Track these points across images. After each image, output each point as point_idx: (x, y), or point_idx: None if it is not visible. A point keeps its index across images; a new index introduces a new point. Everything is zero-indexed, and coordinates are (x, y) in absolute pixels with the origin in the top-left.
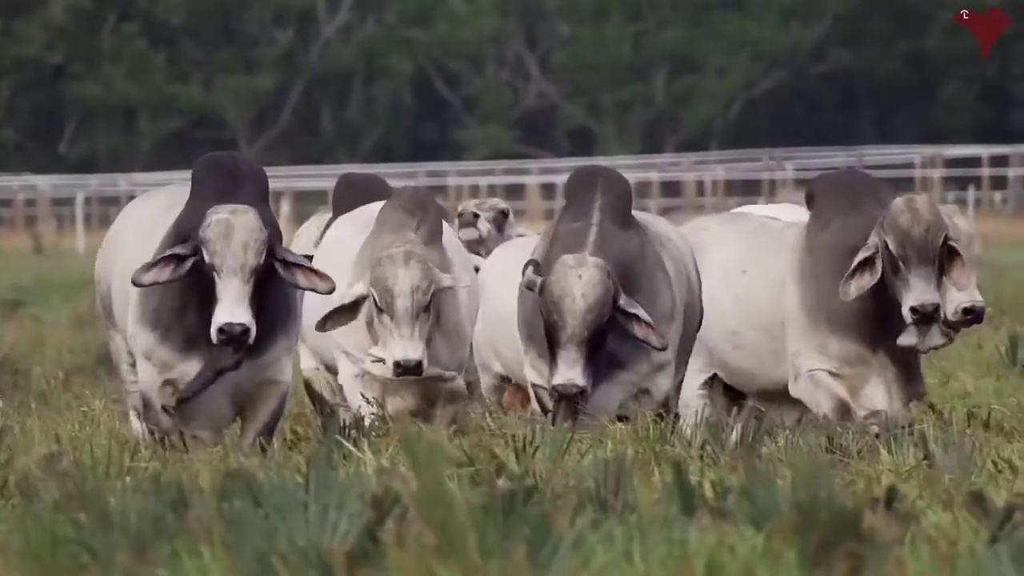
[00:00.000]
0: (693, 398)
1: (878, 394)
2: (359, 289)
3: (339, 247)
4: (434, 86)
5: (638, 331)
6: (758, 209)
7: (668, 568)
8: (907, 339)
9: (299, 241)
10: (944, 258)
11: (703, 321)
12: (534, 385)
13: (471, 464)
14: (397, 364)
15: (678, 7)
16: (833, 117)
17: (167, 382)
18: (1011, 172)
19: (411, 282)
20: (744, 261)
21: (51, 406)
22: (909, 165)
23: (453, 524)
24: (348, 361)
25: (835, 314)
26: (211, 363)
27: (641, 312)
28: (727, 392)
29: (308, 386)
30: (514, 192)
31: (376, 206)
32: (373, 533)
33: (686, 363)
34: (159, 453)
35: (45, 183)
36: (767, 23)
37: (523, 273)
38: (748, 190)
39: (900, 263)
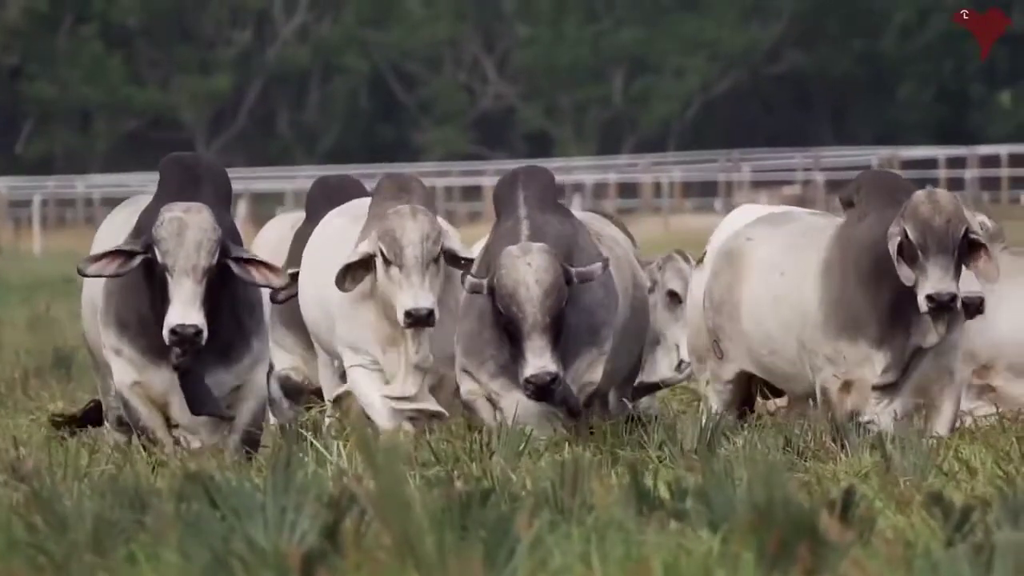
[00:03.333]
0: (719, 390)
1: (883, 392)
2: (365, 247)
3: (340, 237)
4: (391, 88)
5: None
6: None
7: (625, 570)
8: (931, 339)
9: (263, 237)
10: (965, 251)
11: (746, 320)
12: (470, 395)
13: (438, 463)
14: (408, 314)
15: (635, 8)
16: (790, 118)
17: (136, 383)
18: (968, 174)
19: (420, 231)
20: (783, 263)
21: (8, 408)
22: (866, 167)
23: (411, 525)
24: (353, 354)
25: (850, 311)
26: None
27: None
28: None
29: (285, 381)
30: (471, 194)
31: (361, 200)
32: (331, 534)
33: (636, 359)
34: (116, 456)
35: (2, 184)
36: (724, 24)
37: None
38: (705, 191)
39: (919, 252)
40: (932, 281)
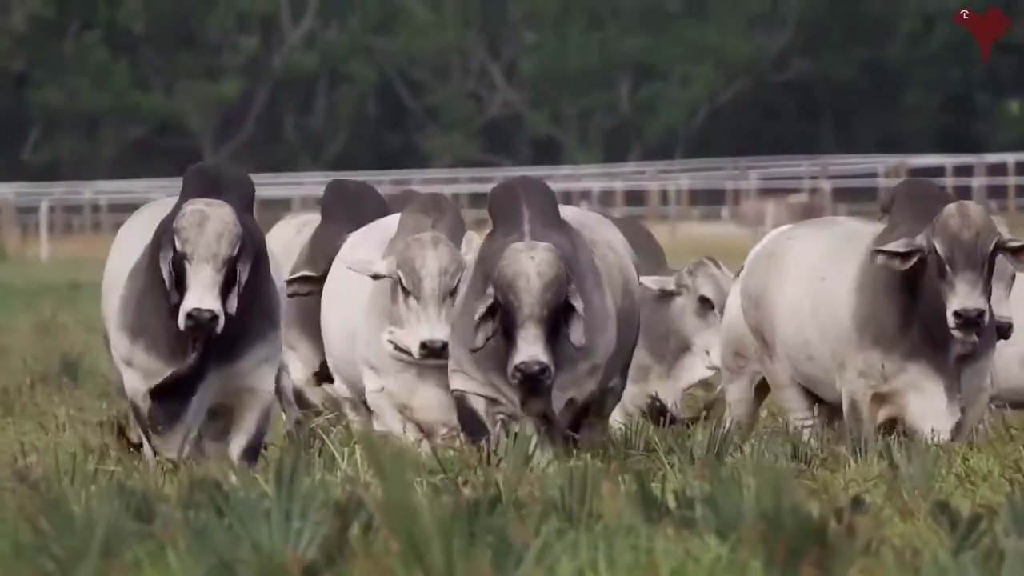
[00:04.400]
0: (792, 401)
1: (917, 409)
2: (380, 268)
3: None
4: (398, 94)
5: (574, 330)
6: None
7: None
8: (956, 350)
9: (270, 244)
10: (994, 266)
11: (784, 329)
12: (462, 392)
13: (445, 471)
14: (423, 345)
15: (641, 16)
16: (796, 126)
17: (149, 392)
18: (975, 182)
19: (439, 263)
20: (823, 268)
21: (15, 414)
22: (872, 174)
23: (418, 532)
24: (375, 375)
25: (881, 325)
26: (183, 363)
27: (580, 308)
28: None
29: (299, 396)
30: (478, 201)
31: (386, 220)
32: (338, 541)
33: (625, 371)
34: (124, 461)
35: (9, 191)
36: (730, 31)
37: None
38: (712, 199)
39: (947, 267)
40: (960, 297)
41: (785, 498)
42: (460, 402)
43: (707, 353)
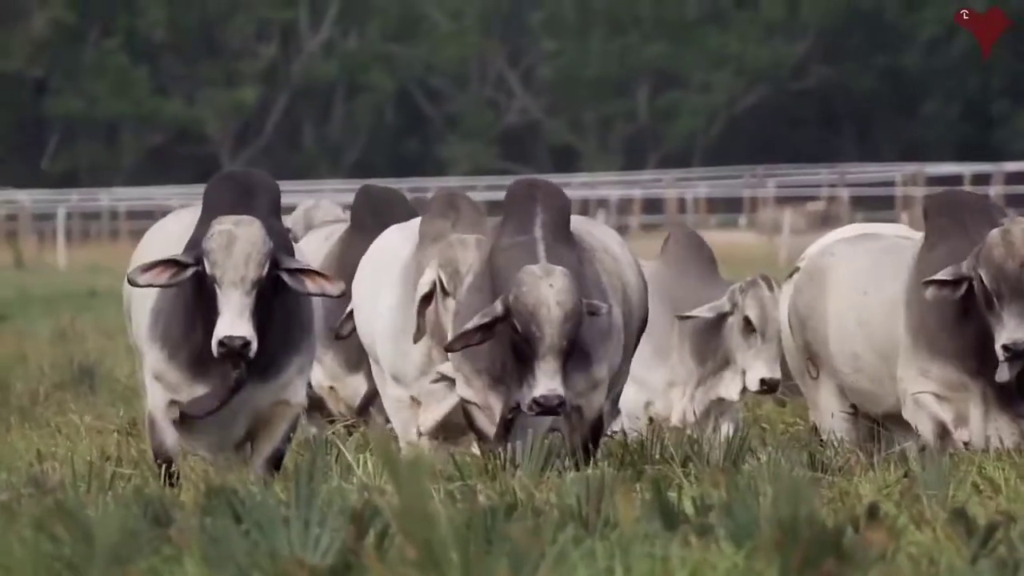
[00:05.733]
0: (839, 420)
1: (977, 419)
2: (429, 275)
3: (393, 255)
4: (416, 102)
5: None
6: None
7: None
8: (1001, 375)
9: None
10: None
11: (830, 341)
12: (466, 402)
13: (461, 478)
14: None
15: (660, 23)
16: (814, 134)
17: (173, 402)
18: (993, 190)
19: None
20: (866, 282)
21: (33, 421)
22: (890, 183)
23: (435, 540)
24: (395, 385)
25: (935, 339)
26: (223, 383)
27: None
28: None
29: (320, 403)
30: (495, 209)
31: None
32: (354, 548)
33: (624, 379)
34: (141, 469)
35: (27, 198)
36: (749, 39)
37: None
38: (730, 207)
39: (994, 298)
40: (1008, 330)
41: (801, 506)
42: (468, 411)
43: (743, 374)
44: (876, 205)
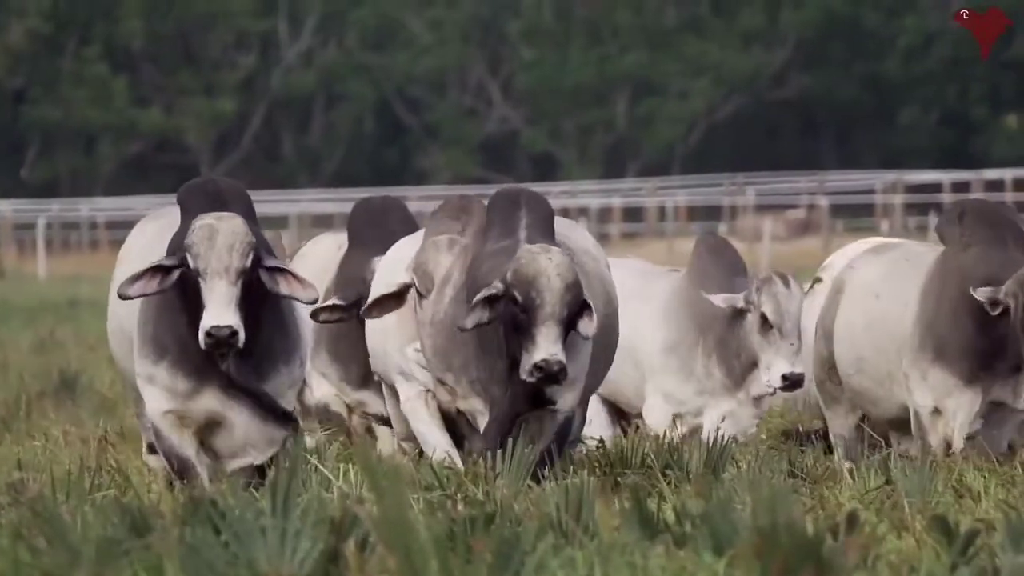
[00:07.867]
0: (847, 431)
1: (975, 423)
2: (403, 277)
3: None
4: (396, 112)
5: (584, 325)
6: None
7: None
8: (1019, 402)
9: (304, 262)
10: None
11: (835, 341)
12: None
13: (441, 487)
14: None
15: (640, 31)
16: (794, 142)
17: (169, 411)
18: (973, 198)
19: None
20: (879, 286)
21: (13, 431)
22: (870, 191)
23: (415, 549)
24: (407, 383)
25: (944, 339)
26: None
27: (592, 304)
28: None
29: (326, 410)
30: None
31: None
32: (334, 558)
33: (597, 383)
34: (117, 479)
35: (6, 207)
36: (728, 48)
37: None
38: (710, 215)
39: None
40: None
41: (781, 514)
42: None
43: (768, 370)
44: (856, 213)
